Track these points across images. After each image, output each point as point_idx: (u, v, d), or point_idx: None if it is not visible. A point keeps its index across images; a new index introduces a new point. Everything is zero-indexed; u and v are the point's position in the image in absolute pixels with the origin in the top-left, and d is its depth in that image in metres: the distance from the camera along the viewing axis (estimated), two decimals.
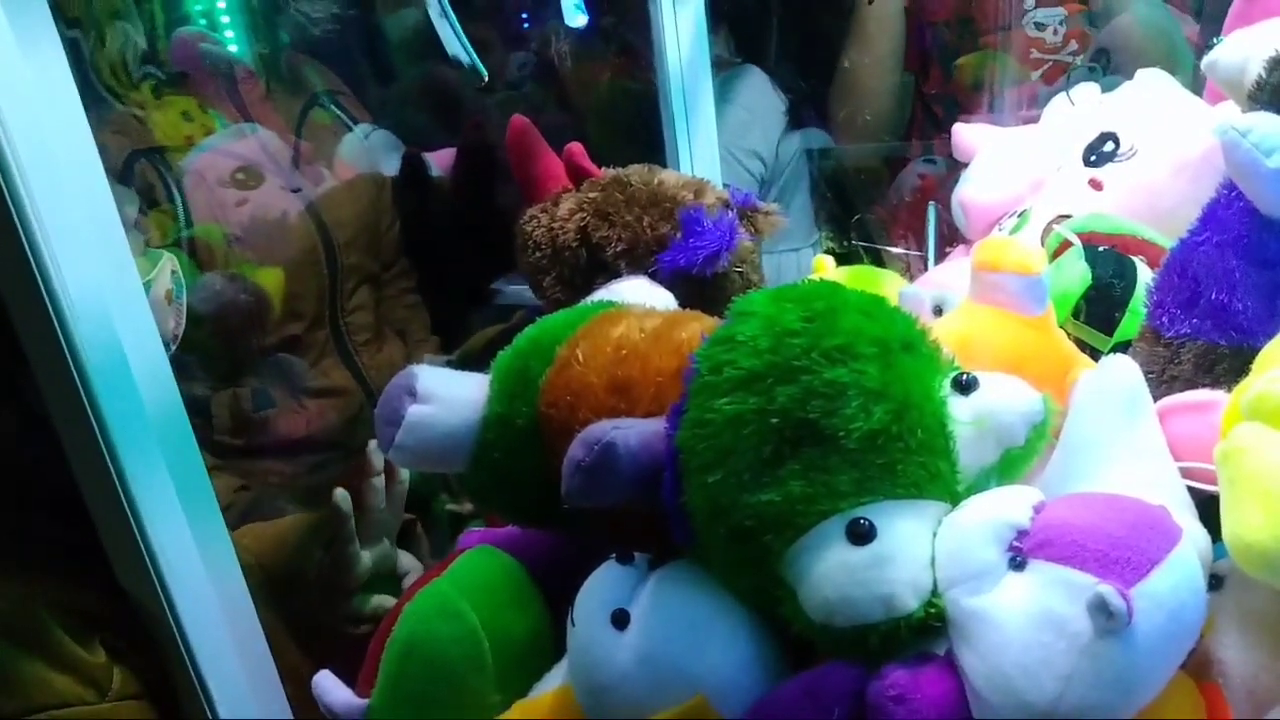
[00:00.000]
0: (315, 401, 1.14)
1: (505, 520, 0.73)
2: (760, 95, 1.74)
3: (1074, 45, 1.50)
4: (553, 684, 0.64)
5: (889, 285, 0.97)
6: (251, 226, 1.38)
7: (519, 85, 1.93)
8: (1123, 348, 0.79)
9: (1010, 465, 0.56)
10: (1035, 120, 1.17)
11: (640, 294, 0.84)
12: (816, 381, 0.52)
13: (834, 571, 0.51)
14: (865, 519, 0.51)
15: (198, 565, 0.76)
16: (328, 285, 1.36)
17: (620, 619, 0.57)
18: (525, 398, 0.69)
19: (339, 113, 1.62)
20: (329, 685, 0.68)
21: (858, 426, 0.52)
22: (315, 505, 1.04)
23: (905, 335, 0.56)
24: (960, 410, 0.54)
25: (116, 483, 0.72)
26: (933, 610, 0.51)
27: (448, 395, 0.70)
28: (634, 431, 0.57)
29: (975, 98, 1.56)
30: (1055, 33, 1.50)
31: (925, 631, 0.51)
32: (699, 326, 0.66)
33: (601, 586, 0.59)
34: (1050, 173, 1.07)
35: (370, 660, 0.67)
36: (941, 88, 1.61)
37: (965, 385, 0.55)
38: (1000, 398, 0.55)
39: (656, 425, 0.58)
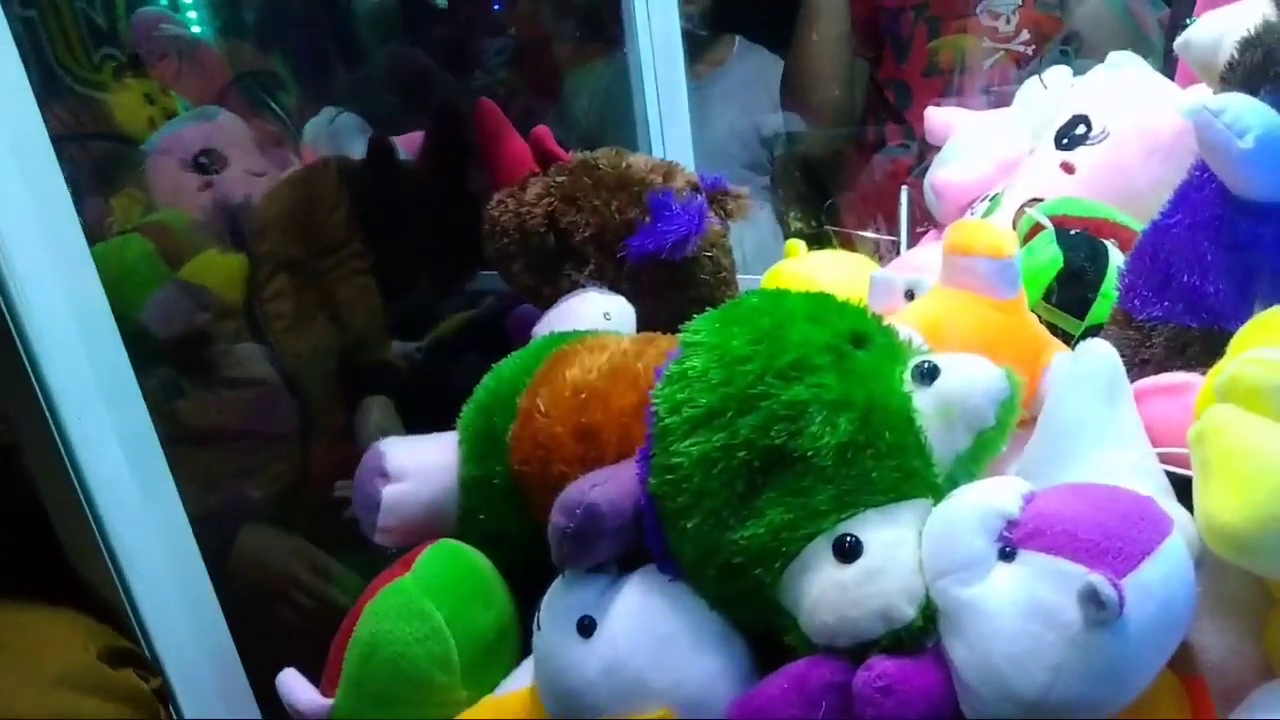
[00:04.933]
0: (230, 391, 1.13)
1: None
2: (773, 77, 1.75)
3: (1026, 35, 1.50)
4: (521, 682, 0.63)
5: (861, 268, 0.96)
6: (214, 211, 1.35)
7: (494, 70, 1.91)
8: (1094, 331, 0.78)
9: (985, 446, 0.55)
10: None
11: (592, 309, 0.84)
12: (776, 405, 0.52)
13: (828, 593, 0.51)
14: (850, 535, 0.51)
15: (158, 554, 0.74)
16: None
17: (586, 626, 0.56)
18: (496, 456, 0.69)
19: (267, 99, 1.60)
20: (294, 684, 0.67)
21: (825, 442, 0.51)
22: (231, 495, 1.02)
23: (855, 329, 0.56)
24: (925, 401, 0.54)
25: (67, 462, 0.70)
26: (929, 614, 0.50)
27: (419, 467, 0.71)
28: (612, 484, 0.56)
29: (929, 83, 1.56)
30: (1008, 22, 1.50)
31: (925, 636, 0.50)
32: (653, 353, 0.65)
33: (568, 592, 0.58)
34: (1022, 156, 1.07)
35: (334, 659, 0.66)
36: (895, 73, 1.61)
37: (927, 373, 0.54)
38: (963, 380, 0.54)
39: (631, 470, 0.57)
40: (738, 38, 1.81)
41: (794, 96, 1.69)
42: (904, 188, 1.25)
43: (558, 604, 0.58)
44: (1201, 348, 0.66)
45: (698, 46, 1.73)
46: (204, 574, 0.78)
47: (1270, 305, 0.58)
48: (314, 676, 0.69)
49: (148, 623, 0.73)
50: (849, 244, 1.41)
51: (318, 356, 1.15)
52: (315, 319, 1.16)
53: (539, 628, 0.59)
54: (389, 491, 0.69)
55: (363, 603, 0.65)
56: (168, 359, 1.08)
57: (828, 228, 1.60)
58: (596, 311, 0.82)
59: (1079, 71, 1.10)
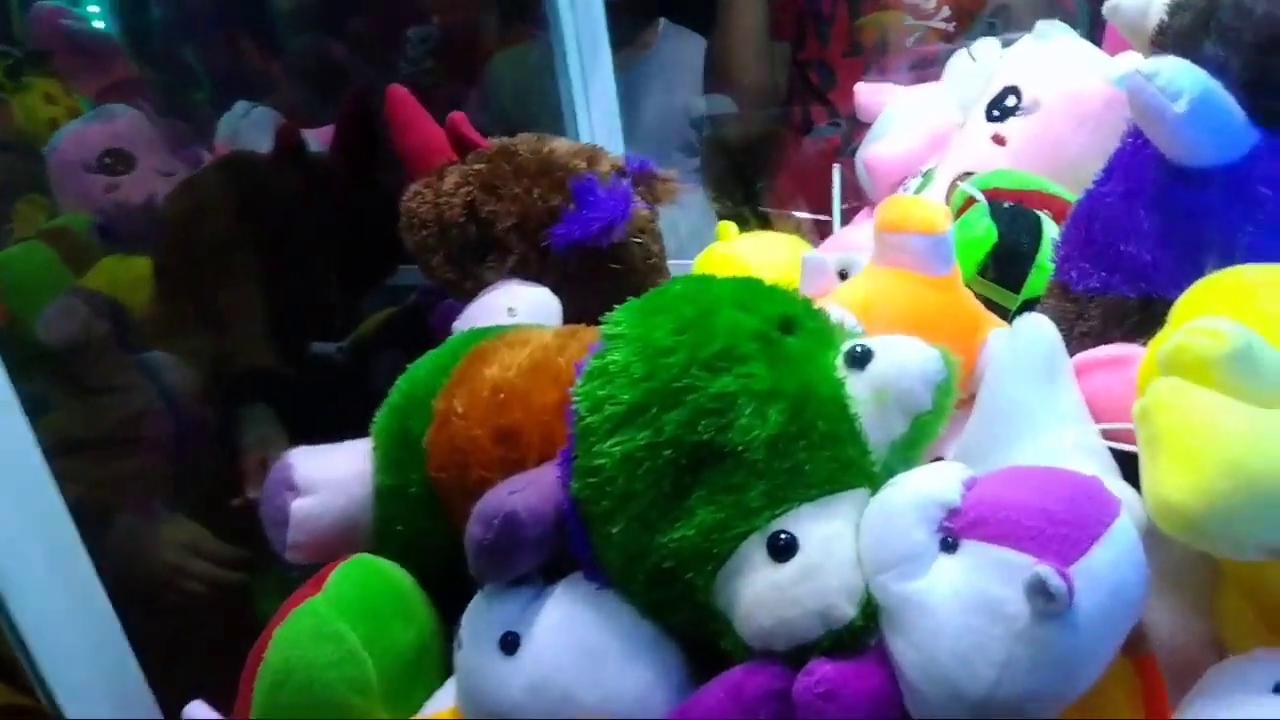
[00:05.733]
0: (98, 399, 1.09)
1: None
2: (700, 59, 1.74)
3: (946, 11, 1.50)
4: (447, 701, 0.60)
5: (793, 249, 0.94)
6: (121, 214, 1.29)
7: (418, 60, 1.86)
8: (1030, 305, 0.77)
9: (922, 431, 0.53)
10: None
11: (512, 302, 0.81)
12: (702, 398, 0.49)
13: (764, 595, 0.48)
14: (784, 532, 0.48)
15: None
16: None
17: (510, 643, 0.53)
18: (413, 463, 0.66)
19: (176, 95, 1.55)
20: (202, 717, 0.62)
21: (756, 435, 0.49)
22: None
23: (785, 314, 0.53)
24: (859, 387, 0.51)
25: None
26: (870, 612, 0.48)
27: (329, 479, 0.67)
28: (532, 491, 0.53)
29: (851, 64, 1.55)
30: None
31: (866, 635, 0.48)
32: (576, 347, 0.62)
33: (489, 607, 0.55)
34: (954, 130, 1.05)
35: (244, 688, 0.62)
36: (817, 54, 1.60)
37: (860, 358, 0.51)
38: (896, 363, 0.52)
39: (553, 473, 0.54)
40: (662, 20, 1.79)
41: (718, 78, 1.68)
42: (835, 166, 1.23)
43: (479, 620, 0.55)
44: (1140, 318, 0.64)
45: (624, 30, 1.70)
46: (98, 585, 0.72)
47: (1210, 272, 0.56)
48: (227, 705, 0.64)
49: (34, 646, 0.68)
50: (781, 225, 1.40)
51: (191, 364, 1.11)
52: (188, 326, 1.12)
53: (460, 646, 0.56)
54: (298, 506, 0.65)
55: (272, 627, 0.61)
56: (47, 369, 1.03)
57: (761, 209, 1.58)
58: (513, 302, 0.79)
59: (1007, 43, 1.09)
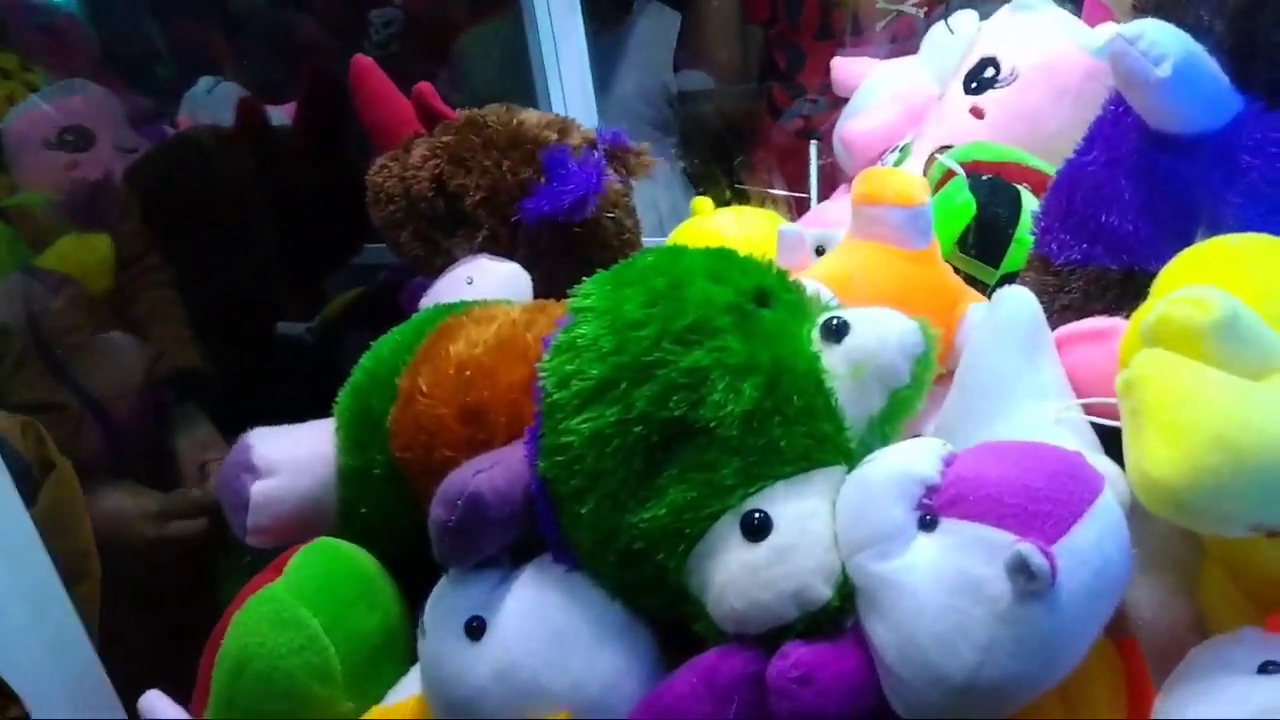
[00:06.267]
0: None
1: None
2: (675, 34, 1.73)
3: None
4: (413, 689, 0.58)
5: (771, 224, 0.93)
6: (79, 191, 1.26)
7: (385, 45, 1.83)
8: (1010, 279, 0.76)
9: (900, 406, 0.51)
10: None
11: (473, 273, 0.79)
12: (674, 373, 0.48)
13: (737, 577, 0.47)
14: (758, 511, 0.47)
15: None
16: None
17: (475, 628, 0.51)
18: (376, 443, 0.64)
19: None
20: (158, 706, 0.60)
21: (729, 410, 0.47)
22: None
23: (759, 286, 0.52)
24: (835, 360, 0.50)
25: None
26: (846, 593, 0.46)
27: (291, 460, 0.65)
28: (498, 470, 0.51)
29: (821, 46, 1.55)
30: None
31: (843, 617, 0.46)
32: (545, 322, 0.60)
33: (454, 591, 0.53)
34: (931, 103, 1.04)
35: (202, 677, 0.60)
36: (787, 34, 1.61)
37: (837, 330, 0.50)
38: (874, 335, 0.50)
39: (520, 452, 0.53)
40: None
41: (693, 54, 1.68)
42: (813, 141, 1.22)
43: (443, 605, 0.53)
44: (1122, 290, 0.63)
45: (598, 4, 1.68)
46: (59, 588, 0.70)
47: (1193, 243, 0.55)
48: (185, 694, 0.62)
49: None
50: (757, 202, 1.38)
51: (116, 372, 1.08)
52: (109, 333, 1.09)
53: (424, 633, 0.54)
54: (258, 488, 0.63)
55: (231, 613, 0.59)
56: None
57: (739, 185, 1.57)
58: (478, 278, 0.76)
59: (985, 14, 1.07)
